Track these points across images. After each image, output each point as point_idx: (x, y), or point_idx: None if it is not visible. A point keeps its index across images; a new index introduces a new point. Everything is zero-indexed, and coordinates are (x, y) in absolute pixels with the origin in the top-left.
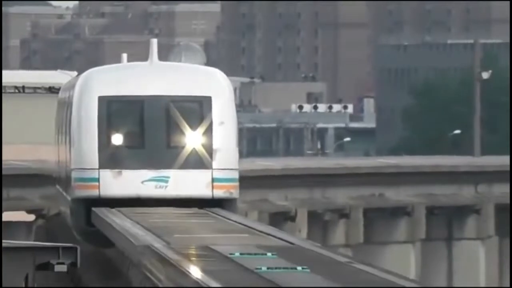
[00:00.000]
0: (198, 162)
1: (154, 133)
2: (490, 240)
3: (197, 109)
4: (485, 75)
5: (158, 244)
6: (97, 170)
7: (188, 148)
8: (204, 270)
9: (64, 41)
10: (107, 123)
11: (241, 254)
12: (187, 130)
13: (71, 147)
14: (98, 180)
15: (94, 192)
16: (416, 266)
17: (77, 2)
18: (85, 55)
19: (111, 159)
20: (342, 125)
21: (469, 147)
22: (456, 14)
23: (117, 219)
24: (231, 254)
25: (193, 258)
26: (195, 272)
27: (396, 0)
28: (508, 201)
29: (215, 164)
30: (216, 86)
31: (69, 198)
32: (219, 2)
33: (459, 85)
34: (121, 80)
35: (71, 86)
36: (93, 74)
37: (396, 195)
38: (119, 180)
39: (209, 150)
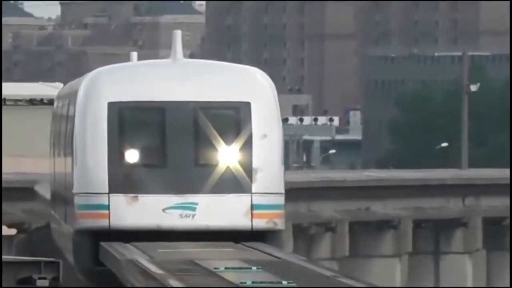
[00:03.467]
0: (234, 184)
1: (178, 149)
2: (477, 253)
3: (233, 118)
4: (473, 87)
5: (142, 259)
6: (107, 195)
7: (222, 167)
8: (188, 285)
9: (46, 52)
10: (119, 136)
11: (226, 268)
12: (220, 144)
13: (74, 166)
14: (108, 207)
15: (103, 223)
16: (402, 280)
17: (59, 12)
18: (67, 67)
19: (124, 181)
20: (328, 137)
21: (456, 160)
22: (444, 26)
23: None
24: (215, 268)
25: (177, 273)
26: (179, 286)
27: (383, 0)
28: (495, 214)
29: (255, 187)
30: (257, 89)
31: (71, 230)
32: (204, 13)
33: (447, 98)
34: (137, 82)
35: (72, 91)
36: (101, 74)
37: (382, 208)
38: (134, 207)
39: (248, 169)
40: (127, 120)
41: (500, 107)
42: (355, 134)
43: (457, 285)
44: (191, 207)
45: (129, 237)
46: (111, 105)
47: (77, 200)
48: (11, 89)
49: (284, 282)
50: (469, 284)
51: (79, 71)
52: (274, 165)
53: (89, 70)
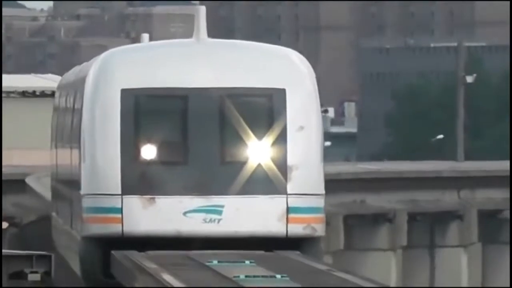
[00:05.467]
0: (266, 184)
1: (202, 143)
2: (473, 247)
3: (265, 108)
4: (470, 78)
5: (135, 253)
6: (120, 197)
7: (252, 164)
8: (180, 279)
9: (39, 44)
10: (134, 129)
11: (219, 262)
12: (250, 138)
13: (81, 163)
14: (120, 210)
15: (115, 228)
16: (397, 274)
17: (51, 3)
18: (60, 58)
19: (139, 180)
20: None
21: (452, 152)
22: (440, 17)
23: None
24: (208, 262)
25: (171, 267)
26: (172, 280)
27: (379, 0)
28: (491, 207)
29: (290, 188)
30: (293, 74)
31: (78, 236)
32: (198, 3)
33: (443, 89)
34: (155, 65)
35: (79, 77)
36: (113, 57)
37: (377, 201)
38: (151, 210)
39: (282, 167)
40: (143, 110)
41: (497, 99)
42: (350, 127)
43: (452, 278)
44: (217, 210)
45: (145, 245)
46: (124, 92)
47: (85, 203)
48: (3, 81)
49: (278, 276)
50: (464, 278)
51: (72, 62)
52: (312, 162)
53: (82, 61)
